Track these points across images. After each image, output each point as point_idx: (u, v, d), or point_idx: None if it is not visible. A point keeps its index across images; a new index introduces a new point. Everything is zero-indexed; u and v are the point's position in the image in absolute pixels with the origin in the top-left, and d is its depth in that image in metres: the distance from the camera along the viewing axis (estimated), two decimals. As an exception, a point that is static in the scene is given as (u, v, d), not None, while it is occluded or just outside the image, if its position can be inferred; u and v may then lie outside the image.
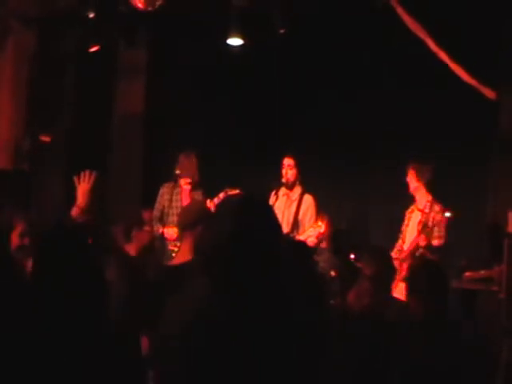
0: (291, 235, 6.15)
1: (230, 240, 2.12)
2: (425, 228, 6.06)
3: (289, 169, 6.43)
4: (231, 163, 8.53)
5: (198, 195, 6.59)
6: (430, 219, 6.07)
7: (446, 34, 6.98)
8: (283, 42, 7.58)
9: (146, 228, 6.78)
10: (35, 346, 2.31)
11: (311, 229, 6.11)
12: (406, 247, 6.26)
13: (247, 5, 7.23)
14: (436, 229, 6.08)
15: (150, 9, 6.65)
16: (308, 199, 6.45)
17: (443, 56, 7.03)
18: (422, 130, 7.65)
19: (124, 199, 8.62)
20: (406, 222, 6.45)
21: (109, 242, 4.09)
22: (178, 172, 6.58)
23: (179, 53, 8.78)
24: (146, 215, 7.61)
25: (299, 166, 6.46)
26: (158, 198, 6.68)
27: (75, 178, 3.60)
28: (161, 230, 6.43)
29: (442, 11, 6.85)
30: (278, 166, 6.49)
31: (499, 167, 7.32)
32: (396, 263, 5.52)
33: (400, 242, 6.39)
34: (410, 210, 6.45)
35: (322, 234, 6.19)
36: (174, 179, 6.62)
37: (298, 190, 6.48)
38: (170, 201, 6.55)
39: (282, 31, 7.35)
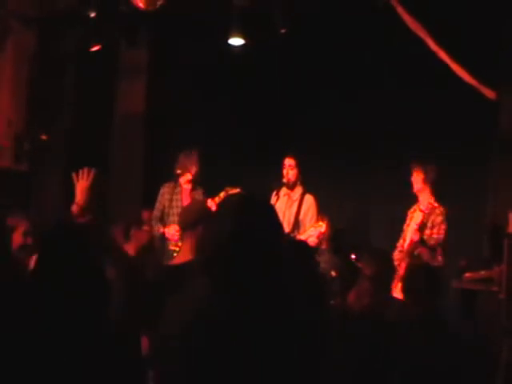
0: (292, 235, 6.16)
1: (231, 240, 2.12)
2: (422, 228, 6.05)
3: (290, 169, 6.44)
4: (232, 163, 8.52)
5: (199, 195, 6.59)
6: (430, 221, 6.07)
7: (446, 34, 6.97)
8: (284, 41, 7.57)
9: (145, 227, 6.77)
10: (35, 346, 2.32)
11: (312, 228, 6.11)
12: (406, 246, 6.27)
13: (248, 4, 7.23)
14: (435, 230, 6.08)
15: (151, 8, 6.65)
16: (309, 199, 6.45)
17: (443, 56, 7.03)
18: (423, 129, 7.65)
19: (125, 199, 8.62)
20: (407, 221, 6.45)
21: (108, 241, 4.08)
22: (178, 172, 6.57)
23: (180, 53, 8.78)
24: (144, 215, 7.61)
25: (300, 166, 6.47)
26: (159, 198, 6.67)
27: (73, 176, 3.59)
28: (161, 230, 6.43)
29: (442, 11, 6.85)
30: (280, 166, 6.49)
31: (499, 167, 7.31)
32: (396, 263, 5.53)
33: (401, 241, 6.39)
34: (412, 209, 6.45)
35: (323, 233, 6.20)
36: (175, 179, 6.62)
37: (298, 190, 6.49)
38: (171, 201, 6.54)
39: (283, 31, 7.34)
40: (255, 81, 8.48)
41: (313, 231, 6.06)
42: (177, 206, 6.50)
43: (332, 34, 7.69)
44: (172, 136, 8.86)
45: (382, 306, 4.08)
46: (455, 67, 7.02)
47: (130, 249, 4.79)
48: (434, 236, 6.06)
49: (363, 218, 8.61)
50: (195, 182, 6.64)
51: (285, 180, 6.45)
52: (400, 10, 7.05)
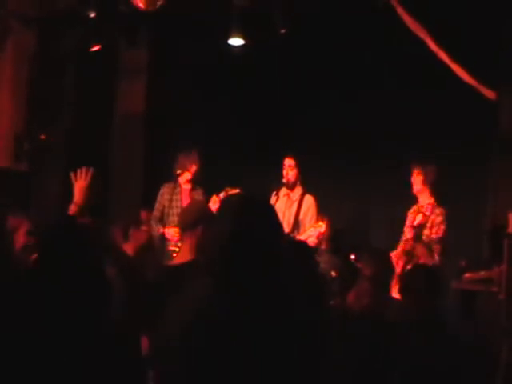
0: (292, 235, 6.16)
1: (231, 240, 2.12)
2: (421, 228, 6.05)
3: (289, 169, 6.44)
4: (232, 163, 8.52)
5: (198, 195, 6.59)
6: (430, 221, 6.07)
7: (446, 34, 6.97)
8: (284, 41, 7.57)
9: (144, 227, 6.77)
10: (36, 346, 2.32)
11: (312, 229, 6.12)
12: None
13: (248, 5, 7.22)
14: (434, 229, 6.08)
15: (151, 8, 6.65)
16: (309, 199, 6.45)
17: (443, 56, 7.03)
18: (422, 129, 7.65)
19: (125, 199, 8.62)
20: (407, 222, 6.44)
21: (108, 241, 4.07)
22: (177, 172, 6.57)
23: (180, 53, 8.77)
24: (143, 215, 7.60)
25: (300, 166, 6.47)
26: (158, 198, 6.68)
27: (72, 175, 3.58)
28: (161, 230, 6.43)
29: (442, 11, 6.85)
30: (279, 167, 6.49)
31: (499, 167, 7.31)
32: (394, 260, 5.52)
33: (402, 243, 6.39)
34: (412, 210, 6.44)
35: (323, 233, 6.20)
36: (174, 179, 6.61)
37: (298, 190, 6.49)
38: (170, 201, 6.54)
39: (283, 31, 7.34)
40: (255, 81, 8.48)
41: (312, 231, 6.06)
42: (176, 207, 6.50)
43: (332, 34, 7.69)
44: (172, 136, 8.86)
45: (381, 306, 4.08)
46: (455, 67, 7.02)
47: (129, 249, 4.79)
48: (433, 236, 6.06)
49: (363, 219, 8.61)
50: (195, 182, 6.64)
51: (284, 180, 6.45)
52: (400, 10, 7.05)
